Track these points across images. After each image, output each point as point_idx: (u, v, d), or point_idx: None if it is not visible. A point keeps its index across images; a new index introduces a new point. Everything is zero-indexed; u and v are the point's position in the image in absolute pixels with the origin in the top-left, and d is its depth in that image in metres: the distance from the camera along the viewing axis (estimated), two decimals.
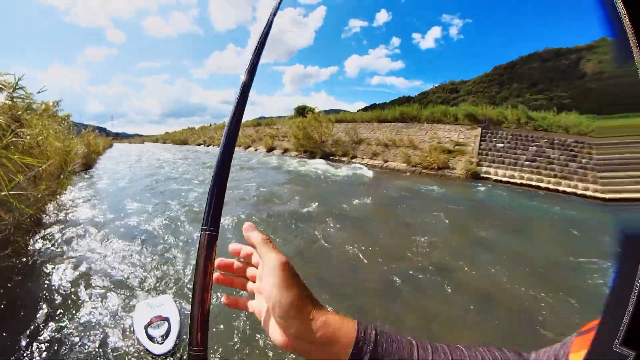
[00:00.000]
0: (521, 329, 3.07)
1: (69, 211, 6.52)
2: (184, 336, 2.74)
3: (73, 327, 2.86)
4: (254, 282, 0.46)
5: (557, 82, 61.93)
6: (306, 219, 6.32)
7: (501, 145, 13.78)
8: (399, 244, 5.17)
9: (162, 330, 2.68)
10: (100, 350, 2.61)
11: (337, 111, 28.10)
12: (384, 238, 5.42)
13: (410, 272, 4.14)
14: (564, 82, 60.80)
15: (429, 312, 3.32)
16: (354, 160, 17.13)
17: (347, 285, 3.79)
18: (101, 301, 3.27)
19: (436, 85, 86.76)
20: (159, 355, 2.51)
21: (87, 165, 14.03)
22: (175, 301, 3.17)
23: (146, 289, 3.56)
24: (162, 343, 2.58)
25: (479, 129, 14.80)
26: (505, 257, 4.74)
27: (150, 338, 2.61)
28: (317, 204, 7.28)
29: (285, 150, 22.82)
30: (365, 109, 29.75)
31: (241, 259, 0.48)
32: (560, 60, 66.59)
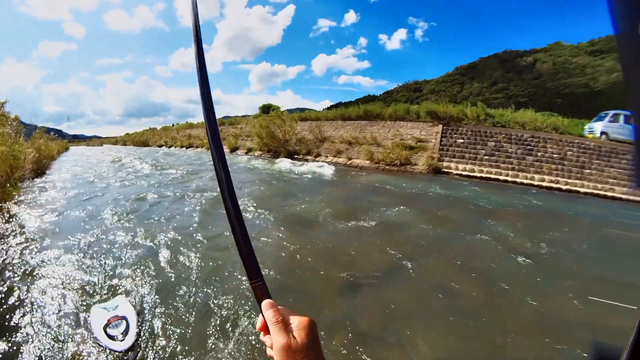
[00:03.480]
0: None
1: (15, 221, 5.94)
2: (142, 332, 2.81)
3: (26, 338, 2.69)
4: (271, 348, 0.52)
5: (515, 82, 64.86)
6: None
7: (461, 140, 13.87)
8: None
9: (122, 328, 2.70)
10: (61, 355, 2.54)
11: (303, 110, 27.68)
12: None
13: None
14: (521, 81, 63.75)
15: None
16: (318, 159, 16.69)
17: None
18: (56, 310, 3.10)
19: (400, 85, 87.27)
20: (121, 352, 2.56)
21: (39, 171, 12.74)
22: (129, 301, 3.17)
23: (99, 294, 3.44)
24: (122, 340, 2.61)
25: (440, 126, 14.84)
26: None
27: (111, 337, 2.63)
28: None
29: (249, 150, 22.01)
30: (331, 108, 29.40)
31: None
32: (518, 61, 69.78)
